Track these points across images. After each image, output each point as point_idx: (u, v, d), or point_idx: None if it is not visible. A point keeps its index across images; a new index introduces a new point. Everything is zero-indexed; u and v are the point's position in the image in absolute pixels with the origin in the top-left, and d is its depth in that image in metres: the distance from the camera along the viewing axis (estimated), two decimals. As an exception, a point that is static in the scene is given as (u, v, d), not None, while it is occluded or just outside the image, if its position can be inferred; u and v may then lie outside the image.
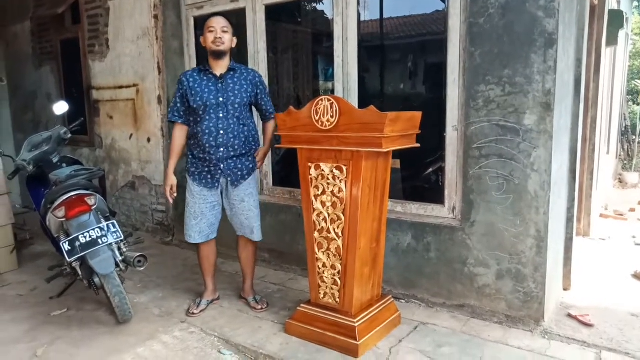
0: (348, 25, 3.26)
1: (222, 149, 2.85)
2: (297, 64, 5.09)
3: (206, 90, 2.85)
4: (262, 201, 3.64)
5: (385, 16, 4.09)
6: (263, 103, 3.01)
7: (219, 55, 2.85)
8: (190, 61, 4.28)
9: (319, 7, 4.77)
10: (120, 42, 4.78)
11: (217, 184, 2.93)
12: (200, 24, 4.15)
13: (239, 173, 2.93)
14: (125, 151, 4.97)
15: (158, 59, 4.45)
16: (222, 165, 2.88)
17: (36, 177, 3.44)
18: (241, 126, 2.90)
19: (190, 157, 2.96)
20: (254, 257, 3.15)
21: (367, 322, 2.59)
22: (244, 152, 2.93)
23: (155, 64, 4.48)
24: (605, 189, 6.05)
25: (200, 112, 2.84)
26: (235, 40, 2.93)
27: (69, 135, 3.46)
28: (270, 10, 3.69)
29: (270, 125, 3.07)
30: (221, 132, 2.84)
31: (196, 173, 2.93)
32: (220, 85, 2.86)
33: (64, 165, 3.39)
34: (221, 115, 2.84)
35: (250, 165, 2.98)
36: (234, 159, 2.90)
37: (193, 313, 3.04)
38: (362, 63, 3.39)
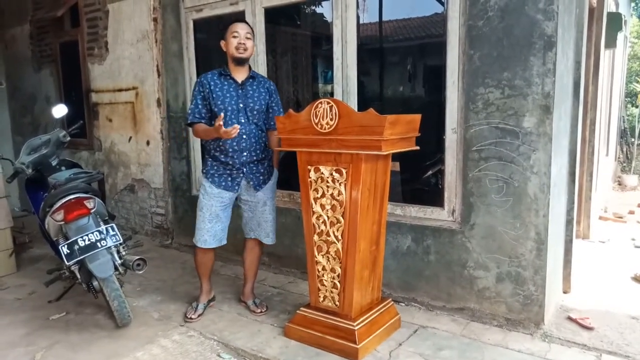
0: (347, 28, 3.26)
1: (245, 153, 2.87)
2: (296, 67, 5.08)
3: (227, 95, 2.87)
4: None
5: (384, 19, 4.09)
6: (272, 112, 3.00)
7: (241, 61, 2.87)
8: (190, 64, 4.28)
9: (318, 10, 4.77)
10: (119, 45, 4.78)
11: (237, 187, 2.94)
12: (200, 26, 4.15)
13: (261, 177, 2.96)
14: (125, 154, 4.97)
15: (157, 61, 4.45)
16: (244, 169, 2.90)
17: (35, 180, 3.43)
18: (260, 132, 2.93)
19: (211, 160, 2.96)
20: (258, 261, 3.16)
21: (367, 326, 2.58)
22: (263, 156, 2.96)
23: (154, 66, 4.48)
24: (604, 192, 6.05)
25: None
26: (255, 47, 2.92)
27: (68, 138, 3.45)
28: (269, 13, 3.69)
29: (275, 134, 3.01)
30: (244, 136, 2.85)
31: (216, 175, 2.92)
32: (240, 91, 2.88)
33: (63, 168, 3.38)
34: (242, 120, 2.86)
35: (270, 170, 3.02)
36: (256, 163, 2.93)
37: (191, 318, 3.02)
38: (362, 66, 3.39)
